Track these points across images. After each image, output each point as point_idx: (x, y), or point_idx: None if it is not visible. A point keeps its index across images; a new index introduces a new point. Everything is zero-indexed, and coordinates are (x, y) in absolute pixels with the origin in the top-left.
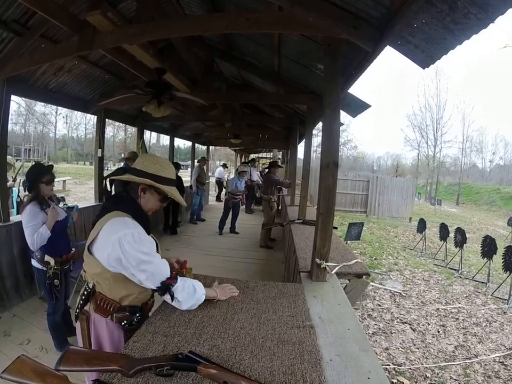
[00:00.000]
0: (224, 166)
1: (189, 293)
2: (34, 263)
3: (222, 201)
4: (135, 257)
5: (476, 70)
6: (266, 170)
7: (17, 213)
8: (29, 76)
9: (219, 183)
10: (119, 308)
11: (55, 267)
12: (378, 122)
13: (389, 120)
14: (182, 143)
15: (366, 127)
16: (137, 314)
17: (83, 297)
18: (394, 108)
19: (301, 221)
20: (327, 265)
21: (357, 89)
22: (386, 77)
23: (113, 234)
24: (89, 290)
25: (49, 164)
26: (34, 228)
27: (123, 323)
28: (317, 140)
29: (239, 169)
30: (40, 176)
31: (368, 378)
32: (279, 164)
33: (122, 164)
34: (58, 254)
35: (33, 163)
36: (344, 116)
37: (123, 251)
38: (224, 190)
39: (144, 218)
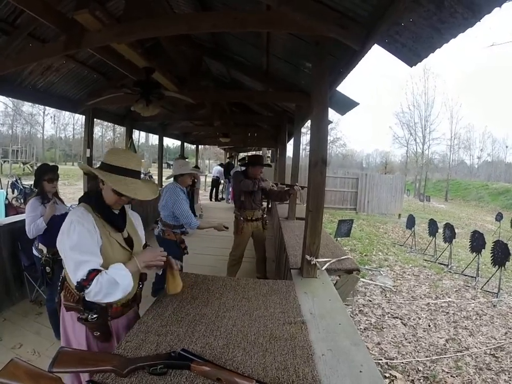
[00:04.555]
0: (222, 165)
1: (110, 288)
2: (34, 251)
3: (218, 200)
4: (61, 248)
5: (467, 71)
6: (242, 168)
7: (6, 215)
8: (16, 76)
9: (215, 181)
10: (78, 300)
11: (47, 255)
12: (368, 121)
13: (378, 118)
14: (171, 143)
15: (355, 125)
16: (94, 311)
17: (59, 287)
18: (385, 106)
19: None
20: (317, 262)
21: (350, 88)
22: (381, 77)
23: (65, 223)
24: (61, 279)
25: (53, 164)
26: (33, 218)
27: (79, 316)
28: (306, 138)
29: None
30: (43, 174)
31: (360, 371)
32: (268, 162)
33: None
34: (53, 244)
35: (20, 165)
36: (333, 114)
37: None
38: (220, 188)
39: (108, 212)
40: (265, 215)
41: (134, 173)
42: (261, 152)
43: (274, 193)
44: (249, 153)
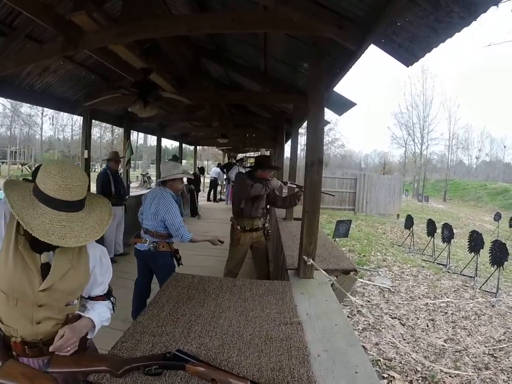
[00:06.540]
0: (219, 165)
1: None
2: None
3: (217, 201)
4: None
5: (464, 71)
6: (247, 169)
7: None
8: (14, 77)
9: (213, 182)
10: None
11: None
12: (366, 121)
13: (376, 119)
14: (169, 144)
15: (353, 126)
16: None
17: None
18: (383, 107)
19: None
20: (314, 263)
21: (348, 89)
22: (378, 77)
23: None
24: None
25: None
26: None
27: None
28: (304, 138)
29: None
30: None
31: (356, 372)
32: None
33: (104, 165)
34: None
35: (19, 166)
36: (331, 115)
37: None
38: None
39: None
40: (267, 225)
41: (64, 204)
42: (259, 153)
43: (280, 199)
44: (248, 154)
